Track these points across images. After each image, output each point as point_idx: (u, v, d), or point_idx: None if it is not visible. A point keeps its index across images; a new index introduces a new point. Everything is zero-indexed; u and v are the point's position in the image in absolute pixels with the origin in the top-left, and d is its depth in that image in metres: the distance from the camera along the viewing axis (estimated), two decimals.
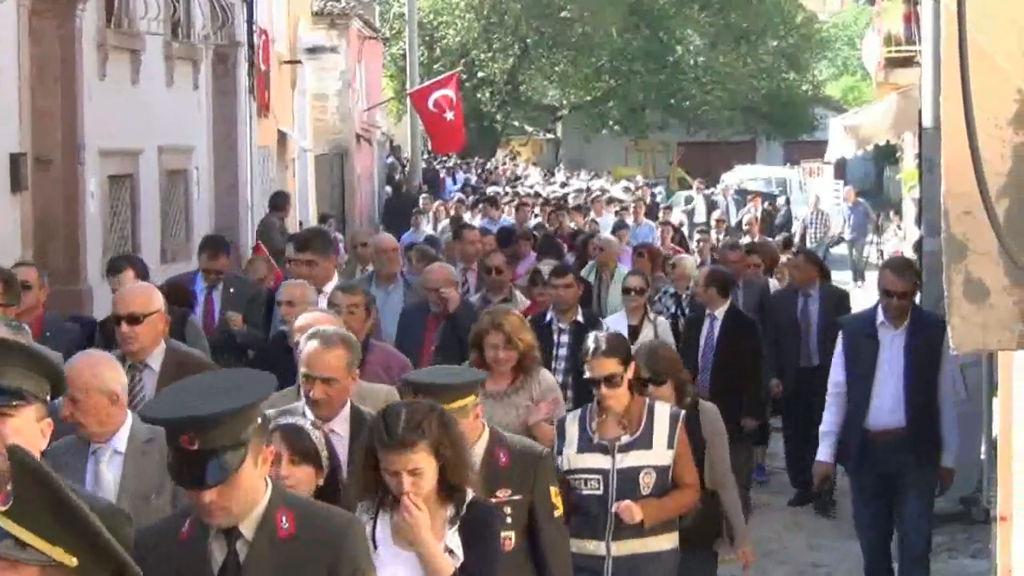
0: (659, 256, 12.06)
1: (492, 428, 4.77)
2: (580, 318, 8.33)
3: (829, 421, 7.15)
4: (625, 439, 5.40)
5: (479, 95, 42.96)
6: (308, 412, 4.72)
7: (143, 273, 7.70)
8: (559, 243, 12.12)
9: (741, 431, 8.68)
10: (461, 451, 3.86)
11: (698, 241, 14.96)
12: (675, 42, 45.64)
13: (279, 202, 15.90)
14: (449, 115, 21.62)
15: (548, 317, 8.36)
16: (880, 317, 6.97)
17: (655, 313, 9.46)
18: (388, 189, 28.41)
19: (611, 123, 45.42)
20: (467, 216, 17.23)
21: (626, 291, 9.34)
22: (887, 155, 32.89)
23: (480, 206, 18.77)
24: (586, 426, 5.47)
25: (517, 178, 31.94)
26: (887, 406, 6.92)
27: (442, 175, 30.66)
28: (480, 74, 43.05)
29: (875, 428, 6.95)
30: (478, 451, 4.54)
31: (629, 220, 18.00)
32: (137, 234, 12.74)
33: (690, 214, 25.12)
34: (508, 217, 17.65)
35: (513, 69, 44.06)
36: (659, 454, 5.39)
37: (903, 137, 19.67)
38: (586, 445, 5.42)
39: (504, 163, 39.65)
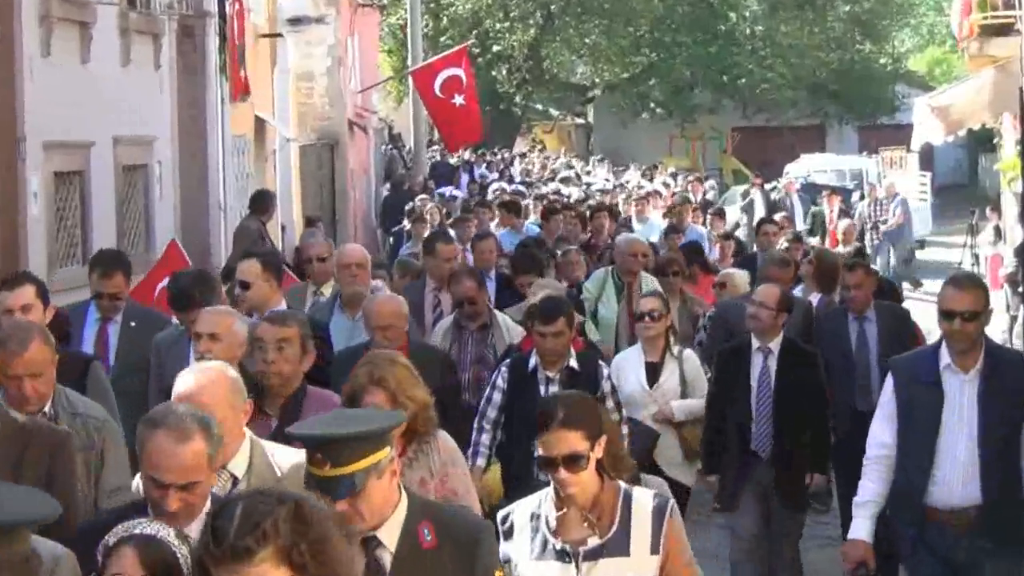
0: (703, 271, 11.93)
1: (412, 494, 4.29)
2: (573, 362, 7.76)
3: (869, 490, 6.50)
4: (593, 542, 4.74)
5: (494, 73, 42.96)
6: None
7: (44, 297, 7.02)
8: (539, 258, 11.36)
9: (805, 495, 8.39)
10: (330, 560, 3.20)
11: (761, 235, 14.48)
12: (728, 8, 45.60)
13: (261, 203, 15.82)
14: (459, 100, 21.52)
15: (532, 364, 7.77)
16: (945, 358, 6.32)
17: (680, 347, 8.92)
18: (387, 186, 28.43)
19: (652, 105, 45.36)
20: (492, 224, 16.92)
21: (639, 316, 8.80)
22: (982, 141, 32.75)
23: (498, 212, 18.48)
24: (541, 522, 4.82)
25: (553, 176, 31.79)
26: (957, 477, 6.28)
27: (457, 170, 30.47)
28: (495, 48, 43.07)
29: (941, 507, 6.32)
30: (392, 528, 4.15)
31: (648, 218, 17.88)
32: (88, 242, 12.75)
33: (748, 212, 25.04)
34: (534, 223, 17.11)
35: (535, 42, 44.06)
36: (639, 562, 4.76)
37: (1001, 119, 19.58)
38: (541, 549, 4.77)
39: (535, 156, 39.40)
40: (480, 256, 11.42)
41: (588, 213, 16.76)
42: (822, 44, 45.01)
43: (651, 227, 17.63)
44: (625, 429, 7.81)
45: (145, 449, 4.23)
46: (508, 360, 8.05)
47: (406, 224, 19.83)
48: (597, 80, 46.90)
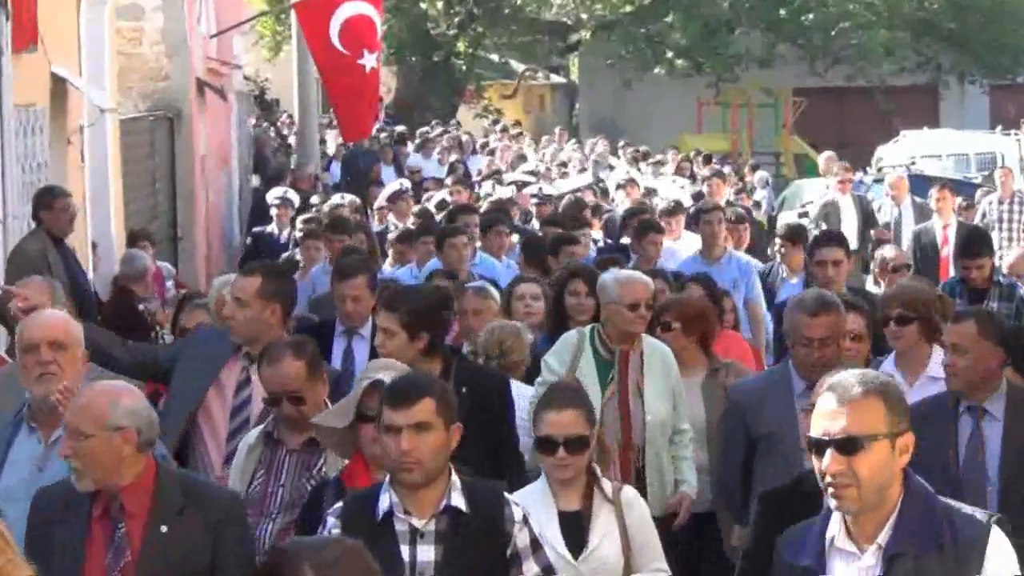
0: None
1: None
2: (458, 499, 6.65)
3: None
4: None
5: (424, 6, 43.13)
6: None
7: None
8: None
9: None
10: None
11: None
12: None
13: (46, 207, 15.83)
14: (368, 61, 21.44)
15: (384, 506, 6.63)
16: (835, 526, 5.72)
17: (616, 484, 8.15)
18: (255, 180, 28.55)
19: (670, 55, 45.58)
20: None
21: (544, 443, 7.88)
22: None
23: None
24: None
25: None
26: None
27: (378, 162, 30.37)
28: None
29: None
30: None
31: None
32: None
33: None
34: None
35: None
36: None
37: None
38: None
39: (501, 135, 39.26)
40: (341, 302, 10.80)
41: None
42: None
43: (672, 256, 17.09)
44: None
45: None
46: (341, 503, 6.90)
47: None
48: (584, 16, 47.06)
